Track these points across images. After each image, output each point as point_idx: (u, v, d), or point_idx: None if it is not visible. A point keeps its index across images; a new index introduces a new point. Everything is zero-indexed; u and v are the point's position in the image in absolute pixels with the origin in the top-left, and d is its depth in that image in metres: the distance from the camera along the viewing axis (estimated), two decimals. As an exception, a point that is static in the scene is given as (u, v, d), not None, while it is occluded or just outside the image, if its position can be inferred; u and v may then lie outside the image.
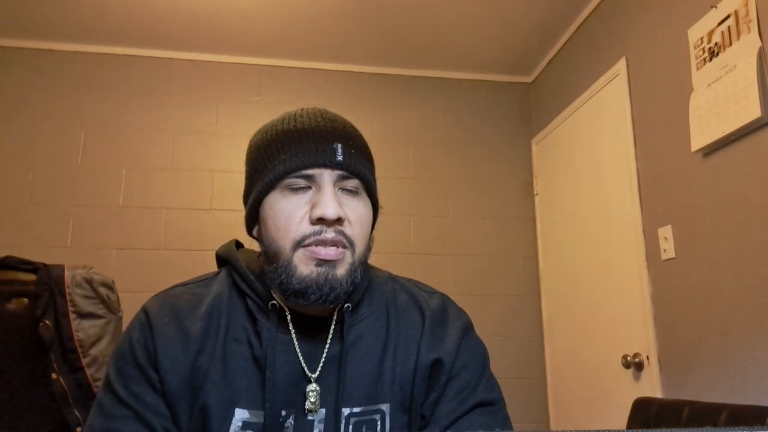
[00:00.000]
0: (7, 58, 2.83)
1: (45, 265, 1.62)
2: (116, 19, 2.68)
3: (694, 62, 1.81)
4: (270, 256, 0.72)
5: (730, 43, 1.65)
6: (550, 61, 2.97)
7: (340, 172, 0.71)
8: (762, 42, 1.55)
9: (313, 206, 0.69)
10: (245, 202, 0.77)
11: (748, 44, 1.58)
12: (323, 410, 0.72)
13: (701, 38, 1.78)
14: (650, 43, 2.09)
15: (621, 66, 2.26)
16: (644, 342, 2.02)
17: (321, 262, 0.69)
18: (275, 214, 0.71)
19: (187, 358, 0.71)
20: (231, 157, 2.89)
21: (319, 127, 0.72)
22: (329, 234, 0.68)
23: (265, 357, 0.71)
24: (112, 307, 1.68)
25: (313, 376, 0.72)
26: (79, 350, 1.58)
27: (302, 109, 0.76)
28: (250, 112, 2.96)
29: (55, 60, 2.87)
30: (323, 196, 0.69)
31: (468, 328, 0.82)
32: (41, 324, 1.53)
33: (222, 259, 0.84)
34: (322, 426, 0.71)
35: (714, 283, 1.71)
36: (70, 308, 1.58)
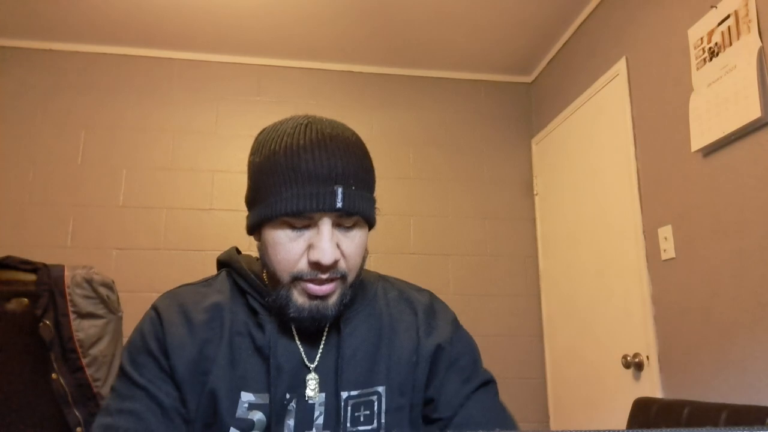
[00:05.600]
0: (7, 58, 2.83)
1: (45, 265, 1.62)
2: (116, 19, 2.68)
3: (694, 62, 1.81)
4: (269, 274, 0.78)
5: (730, 43, 1.65)
6: (550, 61, 2.97)
7: (338, 213, 0.73)
8: (762, 42, 1.55)
9: (310, 247, 0.73)
10: (248, 207, 0.80)
11: (748, 44, 1.58)
12: (323, 394, 0.77)
13: (701, 38, 1.78)
14: (650, 43, 2.09)
15: (621, 66, 2.26)
16: (644, 342, 2.02)
17: (315, 296, 0.74)
18: (275, 245, 0.74)
19: (193, 345, 0.76)
20: (231, 157, 2.89)
21: (323, 167, 0.72)
22: (325, 275, 0.73)
23: (268, 345, 0.76)
24: (112, 307, 1.68)
25: (312, 366, 0.78)
26: (79, 350, 1.58)
27: (305, 136, 0.74)
28: (250, 112, 2.96)
29: (54, 60, 2.87)
30: (321, 240, 0.72)
31: (456, 321, 0.89)
32: (41, 324, 1.53)
33: (222, 264, 0.89)
34: (322, 408, 0.76)
35: (714, 283, 1.71)
36: (70, 308, 1.58)
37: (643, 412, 1.29)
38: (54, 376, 1.53)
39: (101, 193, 2.75)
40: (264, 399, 0.75)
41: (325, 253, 0.71)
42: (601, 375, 2.31)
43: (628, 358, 2.08)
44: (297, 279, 0.74)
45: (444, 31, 2.78)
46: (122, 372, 0.76)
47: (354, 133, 0.79)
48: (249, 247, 3.03)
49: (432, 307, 0.88)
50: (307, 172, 0.71)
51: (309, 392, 0.76)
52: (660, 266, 1.97)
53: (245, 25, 2.72)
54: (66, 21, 2.69)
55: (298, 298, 0.74)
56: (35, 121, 2.79)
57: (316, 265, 0.72)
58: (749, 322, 1.56)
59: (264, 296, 0.79)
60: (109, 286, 1.70)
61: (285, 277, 0.74)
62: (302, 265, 0.73)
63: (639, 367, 2.05)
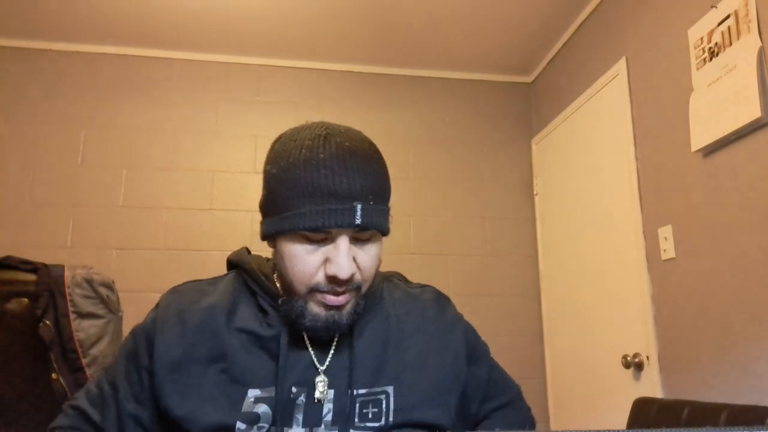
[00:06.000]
0: (7, 58, 2.83)
1: (45, 265, 1.62)
2: (116, 19, 2.68)
3: (694, 62, 1.81)
4: (284, 283, 0.80)
5: (730, 43, 1.65)
6: (550, 61, 2.97)
7: (356, 229, 0.74)
8: (762, 42, 1.55)
9: (327, 260, 0.74)
10: (262, 214, 0.80)
11: (748, 44, 1.58)
12: (332, 391, 0.78)
13: (701, 38, 1.78)
14: (650, 43, 2.09)
15: (621, 66, 2.26)
16: (644, 342, 2.02)
17: (330, 307, 0.76)
18: (291, 257, 0.75)
19: (182, 346, 0.79)
20: (231, 157, 2.89)
21: (342, 184, 0.72)
22: (341, 288, 0.75)
23: (278, 342, 0.78)
24: (112, 307, 1.68)
25: (322, 368, 0.79)
26: (79, 350, 1.58)
27: (324, 149, 0.74)
28: (250, 112, 2.96)
29: (55, 60, 2.87)
30: (338, 255, 0.73)
31: (459, 314, 0.95)
32: (41, 324, 1.53)
33: (233, 264, 0.90)
34: (331, 405, 0.77)
35: (714, 283, 1.71)
36: (70, 308, 1.58)
37: (643, 412, 1.28)
38: (54, 376, 1.53)
39: (101, 193, 2.75)
40: (270, 392, 0.76)
41: (342, 269, 0.72)
42: (601, 375, 2.31)
43: (628, 358, 2.08)
44: (313, 290, 0.75)
45: (444, 31, 2.78)
46: (115, 356, 0.85)
47: (371, 144, 0.79)
48: (250, 245, 3.03)
49: (438, 308, 0.92)
50: (326, 188, 0.71)
51: (318, 394, 0.77)
52: (660, 266, 1.97)
53: (245, 25, 2.72)
54: (66, 21, 2.69)
55: (314, 308, 0.76)
56: (35, 121, 2.79)
57: (332, 279, 0.73)
58: (749, 322, 1.56)
59: (274, 298, 0.81)
60: (109, 286, 1.70)
61: (301, 288, 0.75)
62: (319, 278, 0.74)
63: (639, 367, 2.05)
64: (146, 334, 0.81)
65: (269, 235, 0.78)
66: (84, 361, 1.58)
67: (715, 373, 1.68)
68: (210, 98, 2.95)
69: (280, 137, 0.80)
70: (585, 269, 2.50)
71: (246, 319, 0.81)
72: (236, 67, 3.00)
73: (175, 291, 0.86)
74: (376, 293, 0.88)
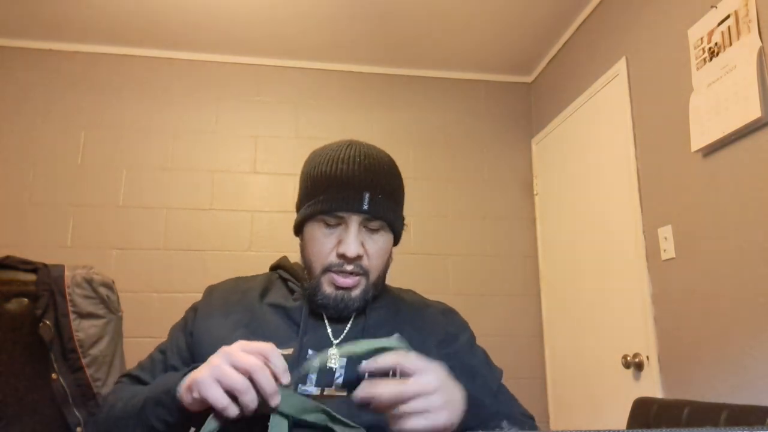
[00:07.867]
0: (7, 58, 2.83)
1: (45, 265, 1.62)
2: (116, 19, 2.68)
3: (694, 62, 1.81)
4: (306, 266, 0.93)
5: (730, 43, 1.65)
6: (550, 61, 2.97)
7: (365, 216, 0.87)
8: (762, 42, 1.55)
9: (339, 242, 0.87)
10: (296, 211, 0.95)
11: (748, 44, 1.58)
12: (344, 359, 0.86)
13: (701, 38, 1.78)
14: (650, 43, 2.09)
15: (621, 66, 2.26)
16: (644, 342, 2.02)
17: (339, 287, 0.88)
18: (311, 241, 0.90)
19: (218, 314, 0.93)
20: (231, 157, 2.89)
21: (354, 176, 0.87)
22: (349, 267, 0.87)
23: (300, 310, 0.90)
24: (112, 307, 1.68)
25: (336, 341, 0.89)
26: (79, 350, 1.58)
27: (345, 152, 0.89)
28: (250, 112, 2.96)
29: (55, 60, 2.87)
30: (348, 236, 0.87)
31: (466, 324, 1.02)
32: (41, 324, 1.53)
33: (273, 268, 1.05)
34: (343, 371, 0.86)
35: (714, 283, 1.71)
36: (70, 308, 1.58)
37: (643, 412, 1.29)
38: (54, 376, 1.53)
39: (101, 193, 2.75)
40: (288, 351, 0.85)
41: (350, 247, 0.85)
42: (601, 375, 2.31)
43: (628, 358, 2.08)
44: (327, 270, 0.88)
45: (444, 31, 2.78)
46: (171, 329, 0.97)
47: (389, 157, 0.95)
48: (249, 247, 3.02)
49: (445, 314, 1.01)
50: (342, 179, 0.87)
51: (330, 364, 0.85)
52: (660, 266, 1.97)
53: (245, 25, 2.72)
54: (66, 21, 2.69)
55: (326, 288, 0.88)
56: (35, 121, 2.79)
57: (342, 257, 0.86)
58: (749, 322, 1.56)
59: (301, 281, 0.95)
60: (109, 286, 1.70)
61: (318, 267, 0.89)
62: (332, 258, 0.87)
63: (639, 367, 2.05)
64: (194, 308, 0.96)
65: (299, 224, 0.92)
66: (84, 361, 1.58)
67: (715, 373, 1.68)
68: (210, 98, 2.95)
69: (315, 149, 0.96)
70: (585, 269, 2.50)
71: (276, 296, 0.94)
72: (236, 67, 3.00)
73: (225, 281, 1.01)
74: (392, 292, 1.01)
